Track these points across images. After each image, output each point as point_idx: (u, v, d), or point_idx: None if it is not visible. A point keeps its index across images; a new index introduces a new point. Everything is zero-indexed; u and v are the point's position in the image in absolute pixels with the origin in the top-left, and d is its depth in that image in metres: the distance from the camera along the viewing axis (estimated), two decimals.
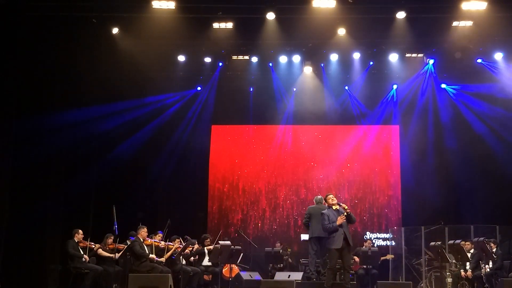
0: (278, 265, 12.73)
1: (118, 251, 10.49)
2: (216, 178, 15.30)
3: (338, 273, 9.87)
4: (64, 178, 12.89)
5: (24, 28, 11.56)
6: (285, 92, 15.03)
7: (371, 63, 14.18)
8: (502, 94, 13.85)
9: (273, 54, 13.98)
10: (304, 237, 12.81)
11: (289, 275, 11.23)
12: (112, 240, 10.86)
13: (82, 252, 10.57)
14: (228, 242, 11.35)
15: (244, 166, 15.37)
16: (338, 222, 9.01)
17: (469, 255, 11.01)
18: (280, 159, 15.36)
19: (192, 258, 11.63)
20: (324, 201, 10.58)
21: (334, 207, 9.22)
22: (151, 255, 10.40)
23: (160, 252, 10.76)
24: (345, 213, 9.09)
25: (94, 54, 12.73)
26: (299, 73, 14.68)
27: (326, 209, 9.30)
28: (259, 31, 12.45)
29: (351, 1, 11.35)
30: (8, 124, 11.49)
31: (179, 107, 14.92)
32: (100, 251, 10.82)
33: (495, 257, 10.72)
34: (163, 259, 10.62)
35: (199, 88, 14.98)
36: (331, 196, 9.39)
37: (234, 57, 14.22)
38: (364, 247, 12.97)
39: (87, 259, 10.56)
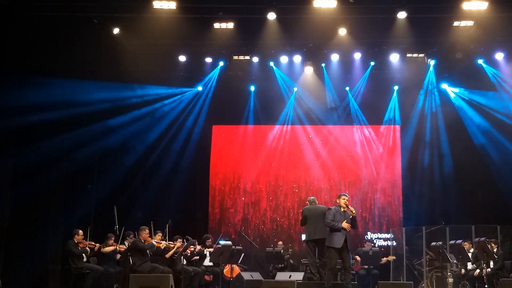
0: (279, 265, 12.73)
1: (120, 252, 10.49)
2: (217, 178, 15.28)
3: (339, 273, 9.90)
4: (65, 178, 12.90)
5: (24, 28, 11.58)
6: (286, 92, 15.01)
7: (372, 63, 14.17)
8: (503, 102, 13.90)
9: (274, 54, 13.98)
10: (305, 237, 12.82)
11: (290, 275, 11.24)
12: (113, 240, 10.86)
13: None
14: (229, 242, 11.36)
15: (245, 166, 15.35)
16: (343, 226, 9.10)
17: (469, 255, 11.05)
18: (281, 159, 15.34)
19: (193, 258, 11.64)
20: (317, 201, 10.72)
21: (342, 209, 9.25)
22: (154, 242, 10.42)
23: (161, 252, 10.77)
24: (351, 216, 9.18)
25: (95, 55, 12.72)
26: (300, 73, 14.67)
27: (334, 207, 9.35)
28: (260, 31, 12.46)
29: (352, 1, 11.35)
30: (9, 123, 11.53)
31: (179, 107, 14.91)
32: (103, 249, 10.81)
33: (496, 257, 10.73)
34: (165, 244, 10.63)
35: (200, 88, 14.97)
36: (345, 197, 9.41)
37: (235, 57, 14.21)
38: (365, 247, 12.98)
39: (89, 250, 10.55)
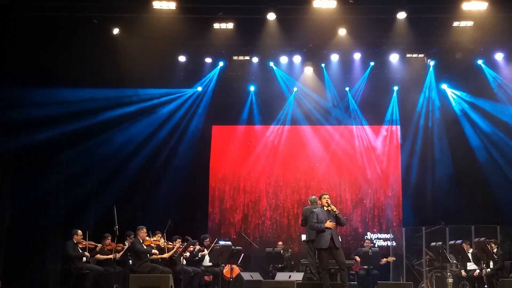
0: (279, 265, 12.73)
1: (117, 251, 10.50)
2: (217, 178, 15.28)
3: (338, 273, 9.88)
4: (65, 178, 12.91)
5: (24, 28, 11.58)
6: (285, 93, 15.01)
7: (372, 63, 14.17)
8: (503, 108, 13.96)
9: (274, 55, 13.99)
10: (305, 237, 12.82)
11: (290, 276, 11.24)
12: (110, 240, 10.87)
13: (81, 252, 10.57)
14: (229, 243, 11.36)
15: (245, 166, 15.34)
16: (326, 225, 9.08)
17: (469, 255, 11.07)
18: (280, 159, 15.34)
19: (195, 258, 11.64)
20: (318, 200, 10.69)
21: (325, 208, 9.24)
22: (154, 250, 10.43)
23: (160, 252, 10.78)
24: (335, 214, 9.17)
25: (95, 55, 12.72)
26: (300, 74, 14.68)
27: (317, 208, 9.35)
28: (259, 32, 12.47)
29: (352, 1, 11.35)
30: (9, 121, 11.54)
31: (179, 107, 14.91)
32: (98, 255, 10.82)
33: (495, 257, 10.73)
34: (166, 255, 10.65)
35: (199, 88, 14.97)
36: (326, 196, 9.39)
37: (235, 58, 14.23)
38: (365, 247, 12.98)
39: (88, 255, 10.55)
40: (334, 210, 9.20)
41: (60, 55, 12.34)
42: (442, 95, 14.82)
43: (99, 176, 13.74)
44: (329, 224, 9.10)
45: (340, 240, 12.63)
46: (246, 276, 11.85)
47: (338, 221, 9.21)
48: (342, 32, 12.64)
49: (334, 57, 14.03)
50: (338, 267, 9.31)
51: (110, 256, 10.73)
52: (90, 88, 12.98)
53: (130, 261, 10.64)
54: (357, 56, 13.88)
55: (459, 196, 14.39)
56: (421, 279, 12.33)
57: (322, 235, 9.13)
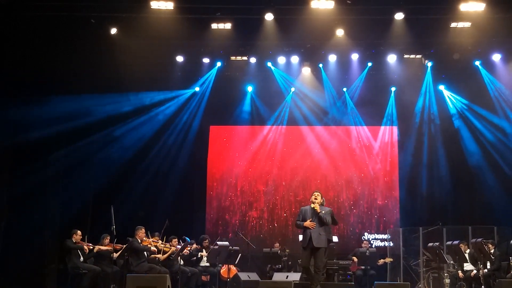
0: (276, 266, 12.73)
1: (116, 251, 10.49)
2: (215, 178, 15.28)
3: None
4: (63, 178, 12.90)
5: (23, 28, 11.57)
6: (283, 93, 15.02)
7: (370, 64, 14.18)
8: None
9: (272, 55, 13.99)
10: None
11: (287, 276, 11.25)
12: (108, 240, 10.86)
13: (79, 252, 10.56)
14: (226, 243, 11.37)
15: (242, 166, 15.34)
16: (304, 224, 9.00)
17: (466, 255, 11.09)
18: (278, 159, 15.34)
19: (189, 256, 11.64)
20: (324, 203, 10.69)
21: (312, 205, 9.14)
22: (153, 248, 10.43)
23: (157, 253, 10.78)
24: (318, 213, 8.98)
25: (92, 55, 12.71)
26: (298, 74, 14.68)
27: (307, 206, 9.24)
28: (257, 32, 12.47)
29: (350, 2, 11.37)
30: (8, 119, 11.53)
31: (177, 108, 14.90)
32: (100, 248, 10.81)
33: (493, 258, 10.76)
34: (160, 256, 10.65)
35: (197, 89, 14.96)
36: (315, 194, 9.23)
37: (233, 58, 14.22)
38: (362, 247, 12.99)
39: (87, 249, 10.53)
40: (316, 208, 9.02)
41: (60, 55, 12.32)
42: (440, 96, 14.84)
43: (98, 176, 13.72)
44: (306, 223, 8.99)
45: (336, 240, 12.72)
46: (244, 276, 11.86)
47: (320, 220, 9.01)
48: (340, 32, 12.63)
49: (332, 58, 14.02)
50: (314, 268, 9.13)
51: (102, 248, 10.73)
52: (89, 91, 12.98)
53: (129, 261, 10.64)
54: (354, 56, 13.89)
55: (456, 196, 14.42)
56: (418, 280, 12.34)
57: (303, 234, 9.09)
